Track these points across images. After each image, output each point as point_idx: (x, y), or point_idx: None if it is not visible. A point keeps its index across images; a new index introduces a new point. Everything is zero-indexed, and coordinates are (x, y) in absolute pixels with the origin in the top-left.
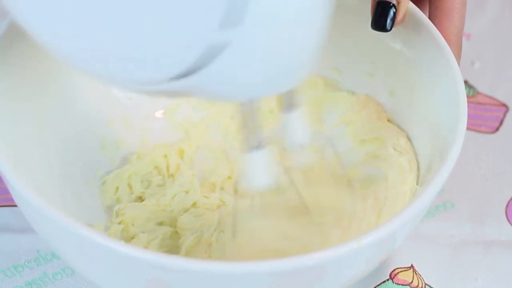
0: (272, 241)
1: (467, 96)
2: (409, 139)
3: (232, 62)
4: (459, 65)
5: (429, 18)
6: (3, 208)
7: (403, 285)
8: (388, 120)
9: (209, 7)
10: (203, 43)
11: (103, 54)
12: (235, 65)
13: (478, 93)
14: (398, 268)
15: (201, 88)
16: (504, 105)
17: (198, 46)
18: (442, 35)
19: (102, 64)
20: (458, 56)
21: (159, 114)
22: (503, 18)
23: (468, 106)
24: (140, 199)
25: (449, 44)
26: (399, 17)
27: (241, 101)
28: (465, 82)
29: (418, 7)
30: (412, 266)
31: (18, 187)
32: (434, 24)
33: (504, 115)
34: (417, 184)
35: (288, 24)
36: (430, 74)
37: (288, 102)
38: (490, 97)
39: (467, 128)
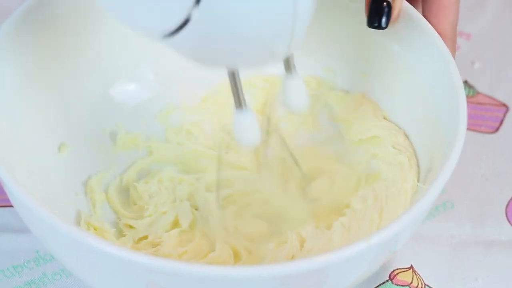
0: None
1: (467, 96)
2: (406, 136)
3: (209, 23)
4: (454, 59)
5: (423, 13)
6: (3, 208)
7: (402, 285)
8: (385, 118)
9: None
10: (183, 13)
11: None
12: (212, 27)
13: (478, 93)
14: (397, 269)
15: (187, 47)
16: (504, 105)
17: (183, 7)
18: (437, 30)
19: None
20: (453, 51)
21: (155, 117)
22: (503, 18)
23: (468, 106)
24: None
25: (444, 39)
26: (394, 14)
27: (224, 67)
28: (465, 82)
29: (411, 4)
30: (411, 267)
31: (15, 191)
32: (429, 19)
33: (504, 115)
34: (417, 181)
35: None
36: (426, 72)
37: (285, 66)
38: (490, 97)
39: (467, 128)
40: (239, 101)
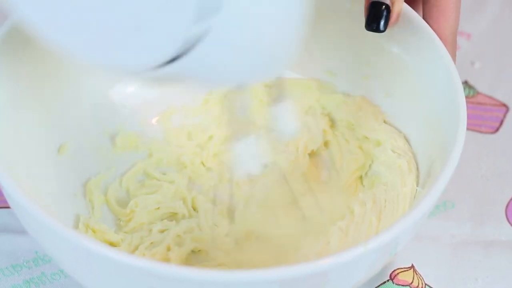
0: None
1: (467, 97)
2: (407, 140)
3: (210, 47)
4: (455, 64)
5: (424, 17)
6: (2, 209)
7: (403, 285)
8: (385, 122)
9: (180, 9)
10: (180, 37)
11: (100, 46)
12: (214, 50)
13: (478, 93)
14: (398, 269)
15: (188, 72)
16: (504, 105)
17: (175, 40)
18: (438, 34)
19: (100, 54)
20: (453, 55)
21: (154, 121)
22: (503, 18)
23: (468, 106)
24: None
25: (445, 44)
26: (393, 17)
27: (226, 85)
28: (465, 82)
29: (411, 7)
30: (412, 266)
31: (13, 193)
32: (430, 24)
33: (504, 115)
34: (417, 185)
35: (264, 11)
36: (426, 75)
37: (276, 93)
38: (490, 97)
39: (467, 129)
40: None
